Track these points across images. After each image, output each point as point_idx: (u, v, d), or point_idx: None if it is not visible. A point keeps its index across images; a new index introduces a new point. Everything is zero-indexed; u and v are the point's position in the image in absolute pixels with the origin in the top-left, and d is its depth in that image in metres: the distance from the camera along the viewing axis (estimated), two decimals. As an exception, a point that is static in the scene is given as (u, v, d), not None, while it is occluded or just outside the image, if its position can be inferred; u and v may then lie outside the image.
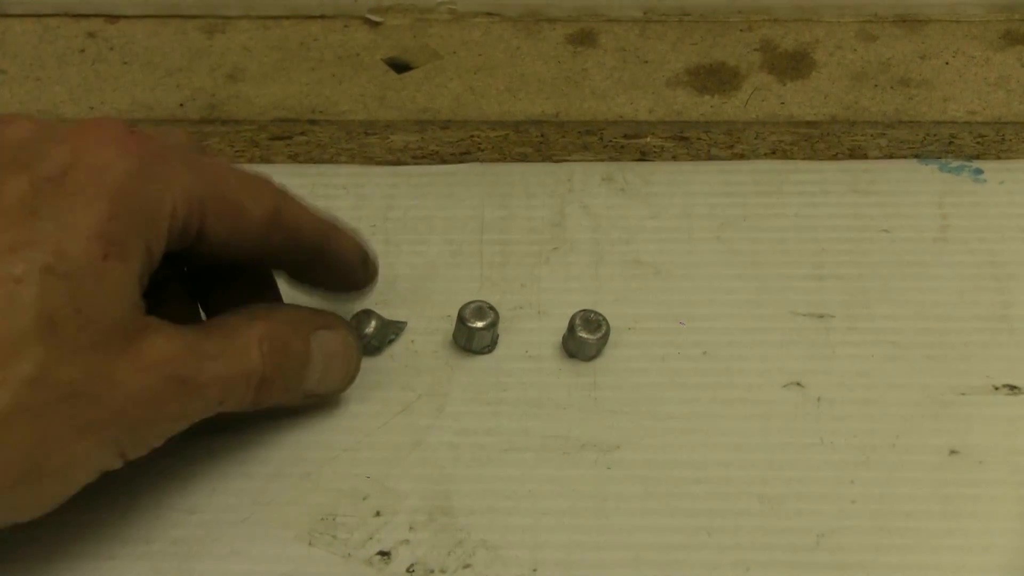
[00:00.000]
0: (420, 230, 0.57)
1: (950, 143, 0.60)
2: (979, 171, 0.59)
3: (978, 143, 0.60)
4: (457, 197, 0.58)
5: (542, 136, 0.60)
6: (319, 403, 0.51)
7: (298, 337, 0.48)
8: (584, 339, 0.52)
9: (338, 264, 0.50)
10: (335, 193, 0.58)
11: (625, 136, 0.60)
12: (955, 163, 0.59)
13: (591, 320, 0.52)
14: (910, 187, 0.58)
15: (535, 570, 0.47)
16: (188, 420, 0.44)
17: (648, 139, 0.60)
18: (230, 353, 0.45)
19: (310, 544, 0.48)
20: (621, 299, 0.55)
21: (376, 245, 0.55)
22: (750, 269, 0.56)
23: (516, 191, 0.58)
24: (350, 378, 0.51)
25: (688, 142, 0.60)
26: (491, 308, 0.52)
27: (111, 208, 0.41)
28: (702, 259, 0.56)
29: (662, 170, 0.59)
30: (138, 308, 0.42)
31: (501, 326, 0.53)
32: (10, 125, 0.43)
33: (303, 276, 0.50)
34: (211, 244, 0.45)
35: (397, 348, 0.53)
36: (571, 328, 0.52)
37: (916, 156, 0.60)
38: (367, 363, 0.52)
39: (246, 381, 0.45)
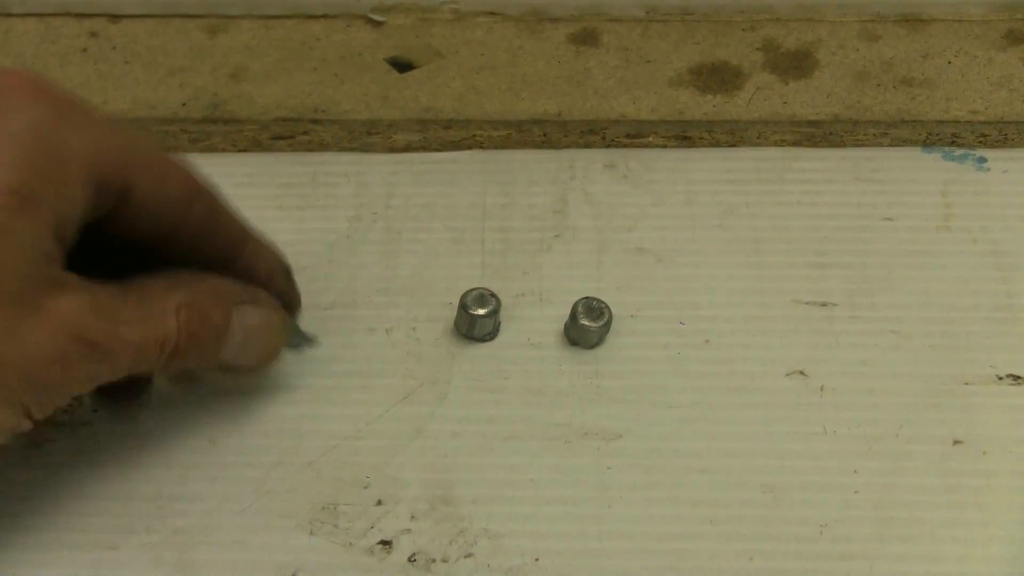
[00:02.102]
0: (421, 218, 0.57)
1: (952, 143, 0.60)
2: (983, 159, 0.59)
3: (980, 142, 0.60)
4: (458, 184, 0.58)
5: (544, 135, 0.60)
6: (235, 379, 0.50)
7: (219, 309, 0.46)
8: (586, 327, 0.52)
9: (258, 266, 0.49)
10: (336, 181, 0.58)
11: (627, 135, 0.60)
12: (958, 151, 0.59)
13: (593, 308, 0.52)
14: (913, 175, 0.58)
15: (537, 559, 0.47)
16: (96, 382, 0.43)
17: (650, 138, 0.60)
18: (145, 318, 0.43)
19: (311, 533, 0.47)
20: (623, 286, 0.54)
21: (377, 233, 0.56)
22: (753, 257, 0.55)
23: (518, 178, 0.58)
24: (270, 357, 0.49)
25: (690, 142, 0.60)
26: (493, 295, 0.52)
27: (22, 156, 0.40)
28: (704, 247, 0.56)
29: (664, 157, 0.59)
30: (51, 261, 0.41)
31: (503, 313, 0.53)
32: None
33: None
34: (136, 207, 0.44)
35: (399, 336, 0.53)
36: (573, 316, 0.52)
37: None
38: (369, 350, 0.52)
39: (159, 348, 0.44)
